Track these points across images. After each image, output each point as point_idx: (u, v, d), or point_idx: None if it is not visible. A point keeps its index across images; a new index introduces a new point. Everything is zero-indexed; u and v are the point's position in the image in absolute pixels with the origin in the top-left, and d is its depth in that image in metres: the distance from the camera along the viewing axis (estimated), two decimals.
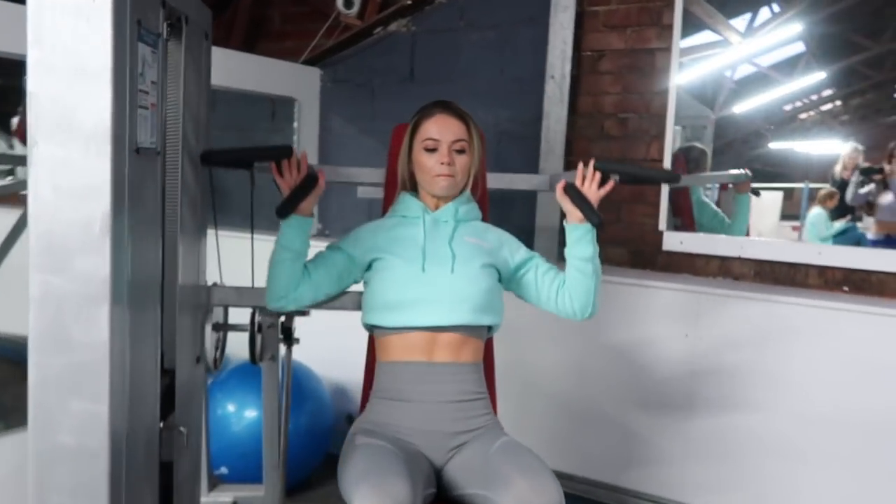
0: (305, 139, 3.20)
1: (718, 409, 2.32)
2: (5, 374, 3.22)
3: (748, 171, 2.93)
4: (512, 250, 1.62)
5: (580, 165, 1.55)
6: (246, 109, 3.40)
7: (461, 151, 1.59)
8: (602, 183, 1.54)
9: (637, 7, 2.56)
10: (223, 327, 1.90)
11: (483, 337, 1.59)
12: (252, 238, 2.19)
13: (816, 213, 5.05)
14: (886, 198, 4.20)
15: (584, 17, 2.65)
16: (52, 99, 1.00)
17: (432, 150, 1.58)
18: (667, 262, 2.61)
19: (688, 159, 2.95)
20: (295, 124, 3.20)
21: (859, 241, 4.14)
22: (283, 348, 1.94)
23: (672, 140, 2.60)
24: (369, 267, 1.59)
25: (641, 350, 2.46)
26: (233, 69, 2.72)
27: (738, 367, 2.28)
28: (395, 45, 3.09)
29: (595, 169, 1.54)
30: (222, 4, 3.38)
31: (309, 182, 1.52)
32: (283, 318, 1.90)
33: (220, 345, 1.92)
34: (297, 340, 1.94)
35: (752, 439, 2.26)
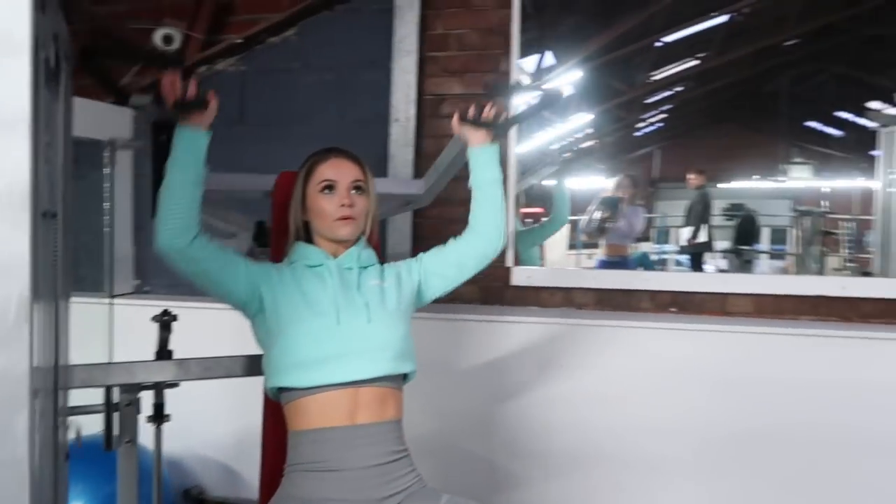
0: (119, 188, 2.86)
1: (574, 432, 2.44)
2: None
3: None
4: (408, 270, 1.59)
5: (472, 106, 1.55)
6: None
7: (360, 191, 1.53)
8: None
9: (476, 55, 2.68)
10: (68, 411, 1.62)
11: (401, 388, 1.53)
12: (112, 301, 1.91)
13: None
14: (619, 223, 4.83)
15: (425, 62, 2.71)
16: None
17: (330, 193, 1.51)
18: (515, 296, 2.73)
19: None
20: (105, 170, 2.85)
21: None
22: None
23: (516, 180, 2.73)
24: (260, 310, 1.46)
25: (499, 384, 2.52)
26: None
27: (589, 390, 2.43)
28: (223, 86, 2.89)
29: (489, 90, 1.61)
30: None
31: (198, 101, 1.35)
32: (141, 395, 1.67)
33: (64, 433, 1.64)
34: (168, 417, 1.72)
35: (605, 457, 2.40)
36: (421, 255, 1.62)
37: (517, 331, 2.54)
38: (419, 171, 2.71)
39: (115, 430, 1.60)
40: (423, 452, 2.54)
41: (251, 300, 1.46)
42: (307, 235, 1.57)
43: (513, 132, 2.59)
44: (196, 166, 1.38)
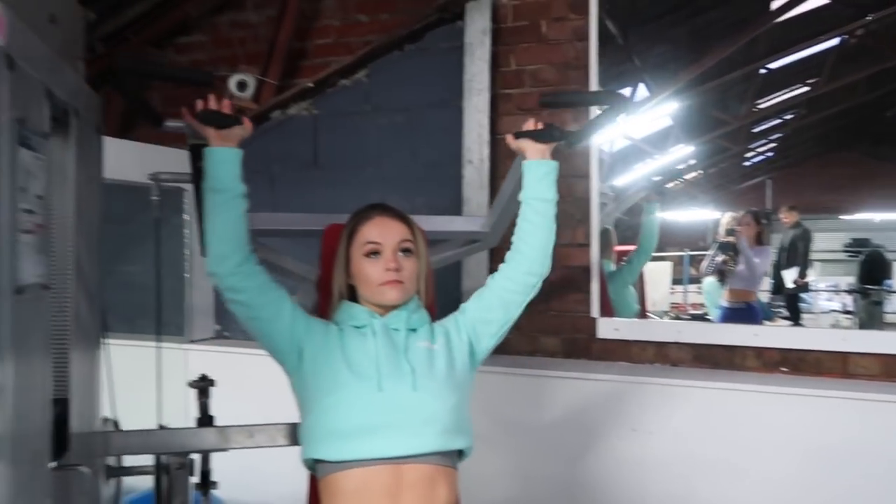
0: (196, 232, 2.87)
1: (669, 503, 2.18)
2: None
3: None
4: (456, 327, 1.41)
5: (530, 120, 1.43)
6: (124, 200, 3.02)
7: (408, 252, 1.38)
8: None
9: (552, 90, 2.50)
10: (118, 472, 1.55)
11: (456, 465, 1.34)
12: (159, 361, 1.85)
13: (709, 281, 5.24)
14: (739, 266, 4.42)
15: (499, 100, 2.56)
16: None
17: (375, 256, 1.36)
18: (601, 350, 2.49)
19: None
20: (185, 216, 2.87)
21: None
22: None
23: (598, 223, 2.52)
24: (298, 367, 1.32)
25: (587, 448, 2.29)
26: (109, 158, 2.41)
27: (688, 459, 2.16)
28: (296, 129, 2.86)
29: (541, 104, 1.46)
30: (93, 88, 3.04)
31: (231, 119, 1.28)
32: (195, 457, 1.57)
33: (116, 493, 1.58)
34: (216, 485, 1.61)
35: None
36: (463, 305, 1.44)
37: (605, 389, 2.31)
38: None
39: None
40: None
41: (290, 352, 1.33)
42: (352, 298, 1.43)
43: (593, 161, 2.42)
44: (231, 183, 1.29)
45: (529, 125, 1.42)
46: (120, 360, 1.51)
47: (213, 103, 1.28)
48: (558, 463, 2.33)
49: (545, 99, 1.47)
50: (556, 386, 2.37)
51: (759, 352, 2.29)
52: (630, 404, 2.25)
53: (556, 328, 2.55)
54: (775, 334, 2.31)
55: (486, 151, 2.52)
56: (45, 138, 0.90)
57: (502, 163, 2.57)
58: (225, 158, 1.28)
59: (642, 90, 5.29)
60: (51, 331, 0.97)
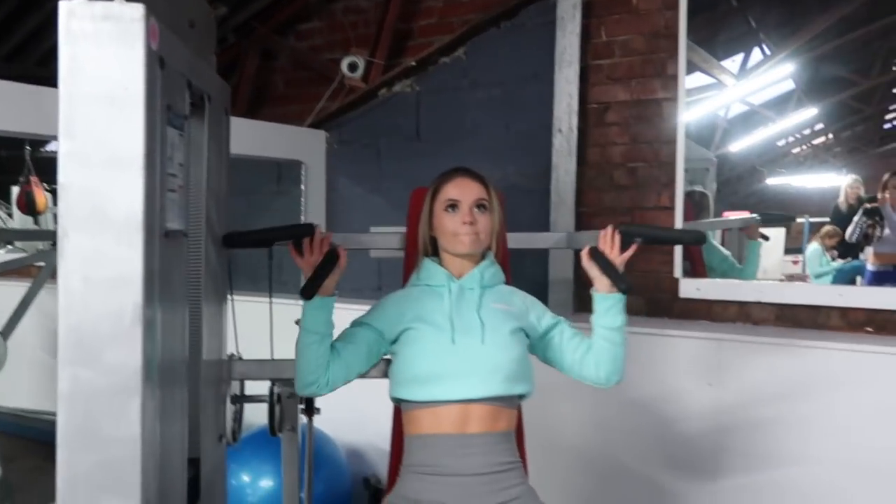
0: (312, 201, 3.20)
1: (748, 462, 2.26)
2: (9, 450, 3.17)
3: (757, 216, 2.95)
4: (538, 315, 1.60)
5: (604, 231, 1.55)
6: (252, 173, 3.41)
7: (482, 209, 1.57)
8: (625, 246, 1.53)
9: (640, 59, 2.59)
10: (240, 399, 1.86)
11: (516, 406, 1.56)
12: (271, 307, 2.16)
13: (812, 248, 5.02)
14: (885, 231, 4.23)
15: (589, 71, 2.68)
16: (84, 190, 0.98)
17: (453, 211, 1.57)
18: (683, 309, 2.59)
19: (692, 203, 2.96)
20: (302, 187, 3.21)
21: (858, 273, 4.10)
22: (303, 418, 1.91)
23: (682, 187, 2.60)
24: (397, 339, 1.56)
25: (664, 402, 2.41)
26: (239, 136, 2.74)
27: (765, 417, 2.23)
28: (400, 106, 3.11)
29: (618, 232, 1.54)
30: (225, 73, 3.44)
31: (330, 260, 1.50)
32: None
33: (238, 417, 1.88)
34: (318, 411, 1.90)
35: (785, 492, 2.20)
36: (561, 320, 1.61)
37: (686, 346, 2.41)
38: (582, 178, 2.70)
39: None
40: (583, 467, 2.53)
41: (389, 343, 1.58)
42: (435, 251, 1.65)
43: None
44: (323, 327, 1.52)
45: (606, 238, 1.53)
46: (243, 313, 1.80)
47: (313, 250, 1.51)
48: (635, 414, 2.45)
49: (625, 228, 1.53)
50: (636, 342, 2.48)
51: (844, 312, 2.32)
52: (708, 361, 2.34)
53: (640, 288, 2.66)
54: (861, 294, 2.32)
55: (574, 121, 2.66)
56: (185, 119, 1.18)
57: (591, 131, 2.70)
58: (320, 306, 1.51)
59: (756, 54, 5.11)
60: (188, 274, 1.26)
